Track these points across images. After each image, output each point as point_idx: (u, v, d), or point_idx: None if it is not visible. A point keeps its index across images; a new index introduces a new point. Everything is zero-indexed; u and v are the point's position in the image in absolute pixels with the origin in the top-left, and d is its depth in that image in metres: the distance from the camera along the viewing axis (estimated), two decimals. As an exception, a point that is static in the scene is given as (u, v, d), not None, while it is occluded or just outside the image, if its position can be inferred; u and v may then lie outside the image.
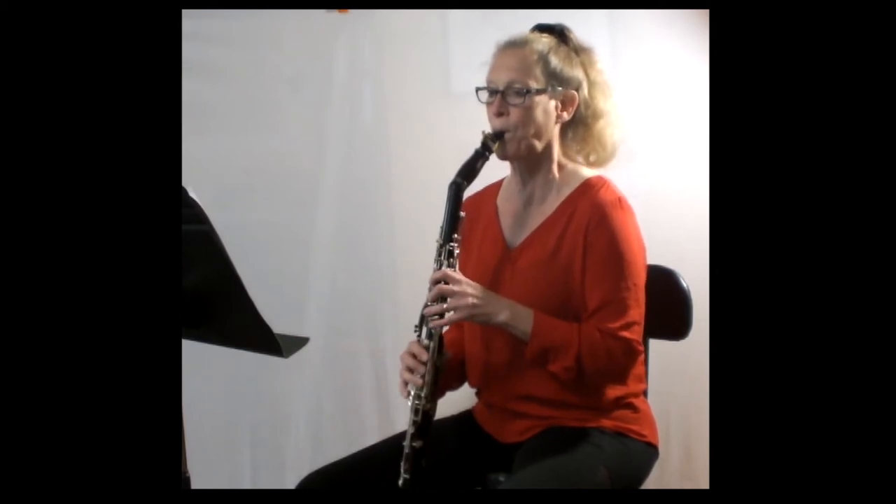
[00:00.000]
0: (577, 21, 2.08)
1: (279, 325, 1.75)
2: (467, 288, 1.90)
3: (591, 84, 2.02)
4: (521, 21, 2.08)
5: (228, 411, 2.95)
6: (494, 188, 2.15)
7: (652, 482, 2.07)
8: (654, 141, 2.90)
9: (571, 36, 2.04)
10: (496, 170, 2.08)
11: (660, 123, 2.93)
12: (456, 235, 1.92)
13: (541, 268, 1.98)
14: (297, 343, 1.83)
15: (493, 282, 2.00)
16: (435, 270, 1.92)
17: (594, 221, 1.94)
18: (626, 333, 1.91)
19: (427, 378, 1.90)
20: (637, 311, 1.94)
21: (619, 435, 1.99)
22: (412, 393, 1.91)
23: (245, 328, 1.73)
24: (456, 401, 2.15)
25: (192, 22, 2.21)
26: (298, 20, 2.87)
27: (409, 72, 2.94)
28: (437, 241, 1.93)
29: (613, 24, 2.93)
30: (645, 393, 2.09)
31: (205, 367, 2.42)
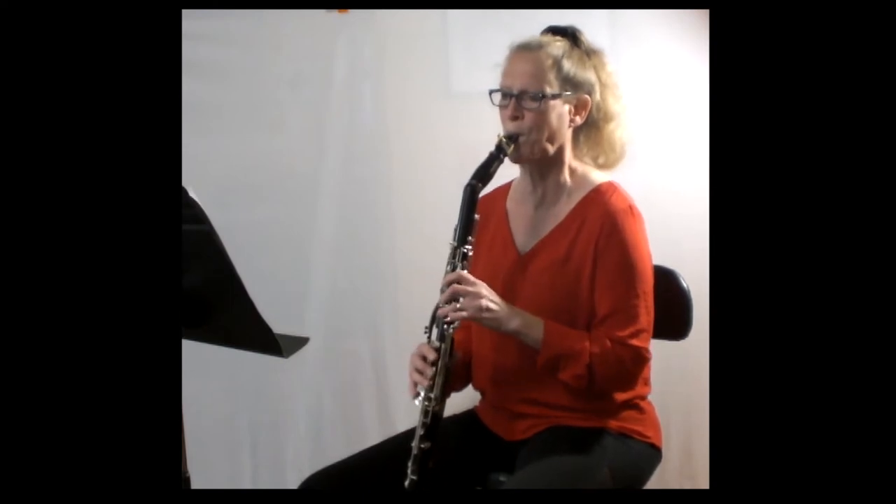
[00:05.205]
0: (577, 21, 2.08)
1: (279, 325, 1.75)
2: (482, 290, 1.90)
3: (602, 86, 2.01)
4: (521, 21, 2.08)
5: (228, 411, 2.95)
6: (504, 190, 2.14)
7: (652, 482, 2.06)
8: (655, 141, 2.90)
9: (583, 38, 2.03)
10: (504, 170, 2.08)
11: (660, 123, 2.92)
12: (470, 238, 1.91)
13: (551, 273, 1.98)
14: (297, 343, 1.83)
15: (503, 285, 1.99)
16: (447, 273, 1.91)
17: (606, 230, 1.94)
18: (635, 342, 1.92)
19: (438, 380, 1.90)
20: (646, 319, 1.94)
21: (623, 436, 1.99)
22: (421, 394, 1.91)
23: (245, 328, 1.73)
24: (457, 400, 2.15)
25: (192, 22, 2.21)
26: (298, 20, 2.86)
27: (409, 72, 2.94)
28: (451, 244, 1.92)
29: (613, 24, 2.92)
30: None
31: (205, 367, 2.42)
